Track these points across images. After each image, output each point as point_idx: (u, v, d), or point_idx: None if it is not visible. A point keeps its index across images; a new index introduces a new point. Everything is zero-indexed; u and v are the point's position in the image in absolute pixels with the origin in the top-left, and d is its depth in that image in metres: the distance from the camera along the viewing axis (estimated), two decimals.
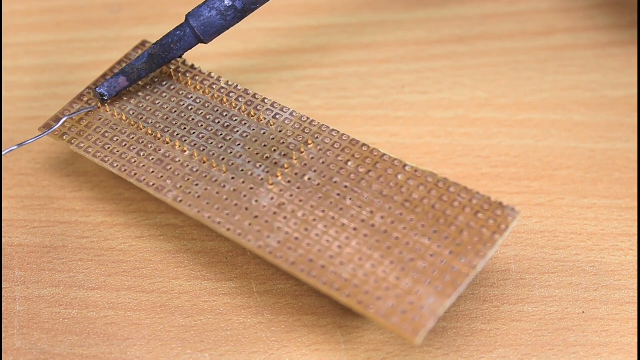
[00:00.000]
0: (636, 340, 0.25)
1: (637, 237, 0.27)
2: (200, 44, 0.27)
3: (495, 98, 0.30)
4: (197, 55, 0.30)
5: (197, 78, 0.27)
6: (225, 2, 0.26)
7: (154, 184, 0.25)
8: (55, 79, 0.32)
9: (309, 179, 0.25)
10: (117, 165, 0.26)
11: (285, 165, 0.25)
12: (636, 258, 0.26)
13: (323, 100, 0.31)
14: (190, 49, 0.27)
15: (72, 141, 0.27)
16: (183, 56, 0.28)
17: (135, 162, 0.26)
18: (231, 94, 0.27)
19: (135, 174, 0.26)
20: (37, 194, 0.29)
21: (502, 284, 0.26)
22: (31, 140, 0.27)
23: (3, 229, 0.28)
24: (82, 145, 0.27)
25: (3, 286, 0.27)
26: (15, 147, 0.26)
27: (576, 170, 0.28)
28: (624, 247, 0.27)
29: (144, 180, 0.25)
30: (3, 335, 0.26)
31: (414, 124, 0.30)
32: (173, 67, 0.28)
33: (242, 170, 0.25)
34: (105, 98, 0.27)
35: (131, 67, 0.27)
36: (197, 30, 0.27)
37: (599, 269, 0.26)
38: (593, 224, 0.27)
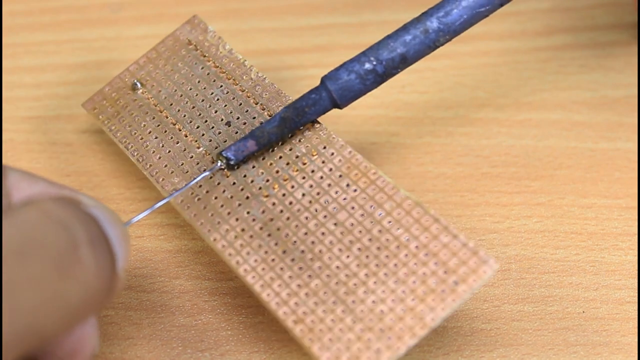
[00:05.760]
0: (636, 340, 0.25)
1: (637, 236, 0.27)
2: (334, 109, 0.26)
3: (496, 98, 0.30)
4: None
5: (232, 64, 0.28)
6: (366, 66, 0.25)
7: (163, 179, 0.26)
8: (55, 78, 0.32)
9: (303, 194, 0.25)
10: (136, 155, 0.27)
11: (285, 177, 0.25)
12: (636, 257, 0.26)
13: None
14: (325, 113, 0.26)
15: (106, 122, 0.28)
16: (224, 40, 0.28)
17: (153, 152, 0.27)
18: (257, 87, 0.27)
19: (150, 166, 0.26)
20: None
21: (503, 284, 0.26)
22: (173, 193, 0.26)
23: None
24: (112, 127, 0.28)
25: None
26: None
27: (576, 170, 0.28)
28: (624, 246, 0.27)
29: (156, 174, 0.26)
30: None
31: (415, 124, 0.30)
32: (213, 49, 0.28)
33: (245, 176, 0.25)
34: (232, 163, 0.25)
35: (261, 131, 0.25)
36: (334, 94, 0.25)
37: (599, 269, 0.26)
38: (593, 224, 0.27)
